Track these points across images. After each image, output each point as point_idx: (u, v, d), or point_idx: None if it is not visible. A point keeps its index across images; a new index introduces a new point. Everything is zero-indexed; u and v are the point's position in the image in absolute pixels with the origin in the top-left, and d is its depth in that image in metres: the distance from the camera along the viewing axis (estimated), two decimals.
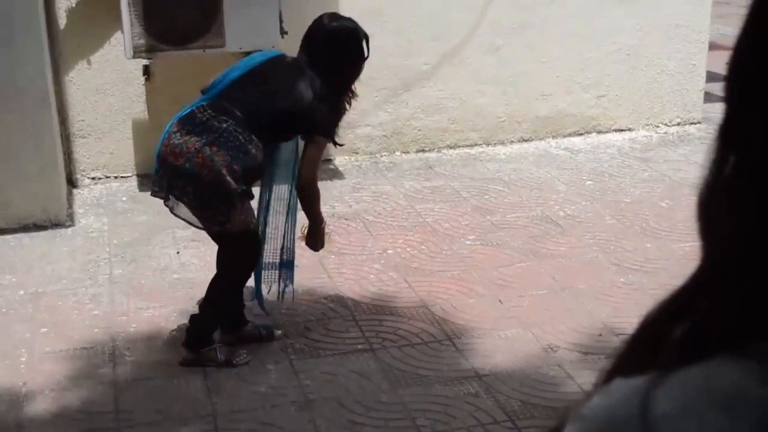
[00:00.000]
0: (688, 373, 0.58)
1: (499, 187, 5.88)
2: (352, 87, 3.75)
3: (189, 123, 3.57)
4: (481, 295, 4.38)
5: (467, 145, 6.68)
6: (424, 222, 5.32)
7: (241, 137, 3.51)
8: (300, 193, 3.72)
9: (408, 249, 4.95)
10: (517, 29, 6.56)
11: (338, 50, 3.70)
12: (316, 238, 3.89)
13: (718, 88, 8.12)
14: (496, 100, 6.67)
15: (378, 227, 5.26)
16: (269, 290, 4.09)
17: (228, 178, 3.46)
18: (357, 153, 6.49)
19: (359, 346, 3.95)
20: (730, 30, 10.15)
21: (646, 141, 6.79)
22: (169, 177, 3.57)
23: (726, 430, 0.55)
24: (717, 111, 7.52)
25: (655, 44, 6.82)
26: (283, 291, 4.11)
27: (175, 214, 3.70)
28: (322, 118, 3.60)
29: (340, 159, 6.41)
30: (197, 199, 3.55)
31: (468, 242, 5.02)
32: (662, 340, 0.64)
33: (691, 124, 7.09)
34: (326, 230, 3.97)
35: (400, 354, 3.89)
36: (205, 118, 3.55)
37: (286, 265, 4.10)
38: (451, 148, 6.66)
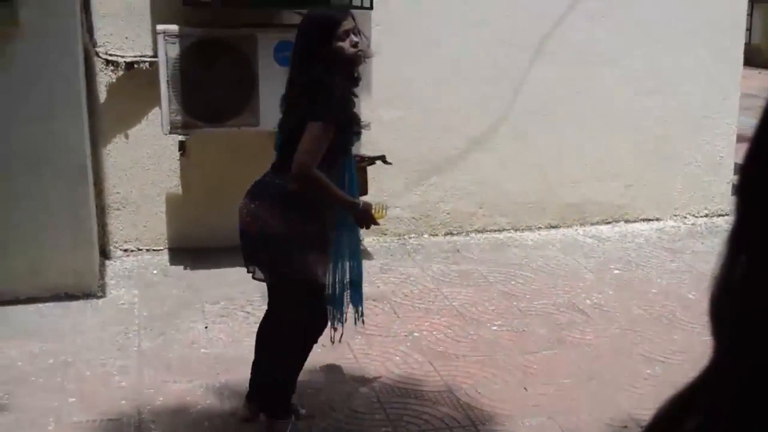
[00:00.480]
0: None
1: (526, 272, 5.91)
2: (349, 73, 3.64)
3: (253, 189, 3.69)
4: (506, 381, 4.38)
5: (495, 230, 6.73)
6: (451, 306, 5.35)
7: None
8: (295, 182, 3.52)
9: (434, 332, 4.97)
10: (547, 116, 6.66)
11: (299, 40, 3.65)
12: (359, 220, 3.76)
13: None
14: (524, 186, 6.74)
15: (405, 309, 5.29)
16: (342, 320, 4.16)
17: (304, 224, 3.59)
18: (386, 234, 6.56)
19: (383, 429, 3.95)
20: (749, 121, 10.21)
21: (673, 231, 6.82)
22: (249, 248, 3.67)
23: None
24: None
25: (683, 135, 6.90)
26: (360, 314, 4.30)
27: (256, 278, 3.76)
28: (312, 104, 3.50)
29: (368, 240, 6.46)
30: (279, 253, 3.61)
31: (494, 327, 5.04)
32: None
33: (719, 216, 7.11)
34: (374, 205, 3.79)
35: None
36: (267, 179, 3.68)
37: (354, 286, 4.15)
38: (479, 232, 6.71)
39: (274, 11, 5.96)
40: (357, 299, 4.19)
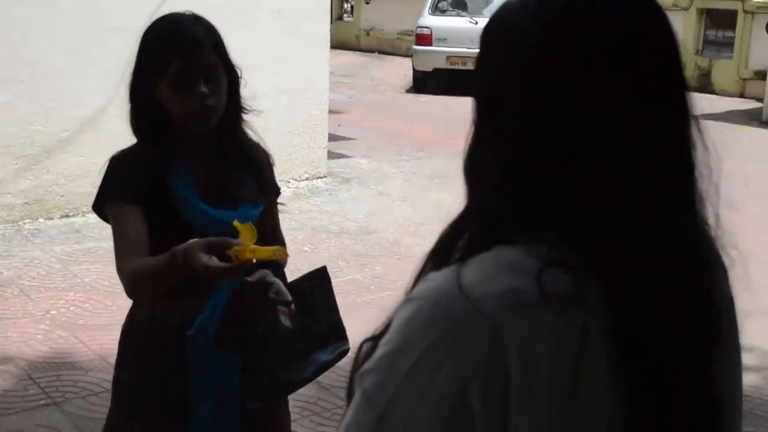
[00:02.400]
0: (480, 258, 0.98)
1: None
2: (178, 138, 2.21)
3: None
4: None
5: None
6: (83, 282, 5.42)
7: None
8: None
9: (71, 308, 5.04)
10: None
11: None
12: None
13: (336, 146, 9.01)
14: None
15: (36, 291, 5.28)
16: None
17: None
18: None
19: (42, 402, 4.01)
20: (338, 96, 11.20)
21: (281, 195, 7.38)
22: None
23: (513, 282, 0.95)
24: (339, 166, 8.39)
25: (284, 107, 7.48)
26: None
27: None
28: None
29: None
30: None
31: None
32: (453, 246, 1.05)
33: (318, 178, 7.82)
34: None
35: (85, 404, 4.01)
36: None
37: None
38: None
39: None
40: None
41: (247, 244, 1.98)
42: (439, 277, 0.98)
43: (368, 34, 20.39)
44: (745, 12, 13.88)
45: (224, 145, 2.26)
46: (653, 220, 0.95)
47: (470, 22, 14.24)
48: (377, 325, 1.05)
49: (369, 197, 7.66)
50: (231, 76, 2.21)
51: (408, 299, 0.99)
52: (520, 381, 0.92)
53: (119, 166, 2.21)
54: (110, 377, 4.13)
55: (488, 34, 1.03)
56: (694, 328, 0.98)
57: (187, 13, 2.20)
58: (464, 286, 0.95)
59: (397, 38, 19.43)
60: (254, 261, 2.01)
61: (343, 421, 1.02)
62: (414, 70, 14.73)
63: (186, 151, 2.21)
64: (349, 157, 9.04)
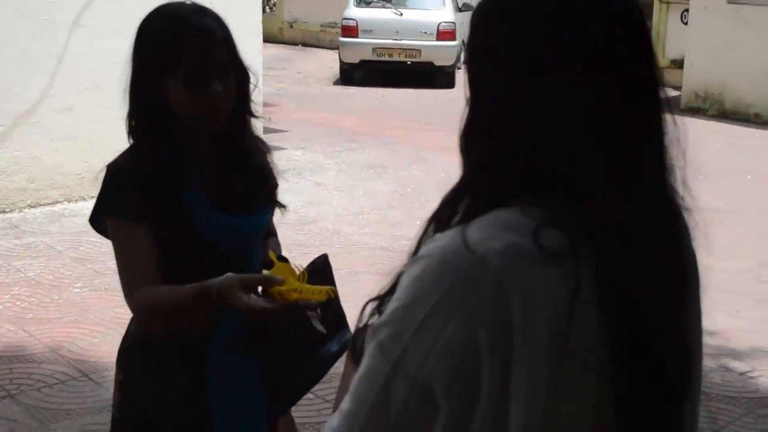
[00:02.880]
0: (482, 219, 1.10)
1: (91, 238, 6.10)
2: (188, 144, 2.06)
3: None
4: (105, 334, 4.63)
5: (49, 203, 6.79)
6: (26, 276, 5.41)
7: None
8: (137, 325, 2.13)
9: (18, 303, 5.03)
10: (91, 89, 6.84)
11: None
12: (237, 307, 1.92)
13: (268, 139, 9.04)
14: (73, 158, 6.86)
15: None
16: None
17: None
18: None
19: None
20: (266, 89, 11.22)
21: None
22: None
23: (514, 239, 1.07)
24: (275, 158, 8.42)
25: None
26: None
27: None
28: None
29: None
30: None
31: (77, 290, 5.23)
32: (454, 211, 1.17)
33: None
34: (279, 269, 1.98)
35: (40, 395, 4.04)
36: None
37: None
38: (32, 207, 6.73)
39: None
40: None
41: (291, 282, 1.86)
42: (445, 237, 1.10)
43: (291, 26, 20.36)
44: (661, 2, 14.30)
45: (230, 147, 2.09)
46: (634, 183, 1.09)
47: (395, 13, 14.38)
48: (381, 286, 1.16)
49: (306, 188, 7.74)
50: (240, 74, 2.04)
51: (416, 259, 1.10)
52: (522, 327, 1.03)
53: (121, 176, 2.00)
54: (63, 368, 4.24)
55: (477, 20, 1.15)
56: (669, 278, 1.12)
57: (188, 2, 2.04)
58: (470, 243, 1.06)
59: (321, 30, 19.45)
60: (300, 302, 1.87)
61: (358, 373, 1.11)
62: (341, 61, 14.78)
63: (192, 154, 2.05)
64: (283, 149, 9.09)
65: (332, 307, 2.07)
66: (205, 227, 2.03)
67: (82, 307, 4.99)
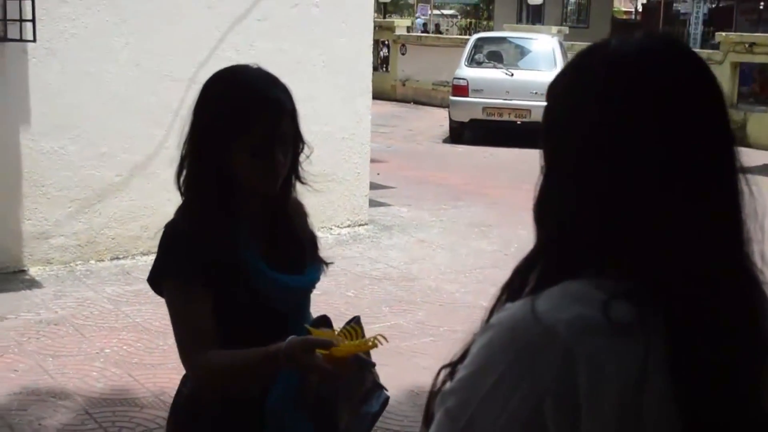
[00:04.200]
0: (551, 290, 1.11)
1: None
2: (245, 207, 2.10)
3: None
4: None
5: None
6: (134, 322, 5.58)
7: None
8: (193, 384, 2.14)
9: (125, 347, 5.19)
10: None
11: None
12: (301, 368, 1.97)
13: (376, 195, 9.16)
14: None
15: (89, 330, 5.44)
16: None
17: None
18: (51, 263, 6.60)
19: None
20: (376, 145, 11.39)
21: (323, 242, 7.53)
22: None
23: (582, 310, 1.07)
24: (380, 214, 8.54)
25: (327, 155, 7.66)
26: None
27: None
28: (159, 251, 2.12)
29: (34, 269, 6.49)
30: None
31: None
32: (525, 281, 1.18)
33: (359, 225, 7.97)
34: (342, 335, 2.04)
35: None
36: None
37: None
38: (144, 254, 6.95)
39: None
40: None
41: (344, 342, 1.92)
42: (514, 307, 1.11)
43: (404, 84, 20.66)
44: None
45: (278, 208, 2.14)
46: (709, 257, 1.08)
47: (506, 74, 14.46)
48: (454, 353, 1.18)
49: (410, 245, 7.79)
50: (296, 142, 2.09)
51: (486, 327, 1.12)
52: (589, 397, 1.03)
53: (179, 238, 2.03)
54: (164, 414, 4.31)
55: (555, 91, 1.17)
56: (746, 354, 1.09)
57: (254, 66, 2.05)
58: (538, 313, 1.07)
59: (433, 89, 19.67)
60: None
61: None
62: (450, 120, 14.92)
63: (245, 215, 2.08)
64: (390, 205, 9.19)
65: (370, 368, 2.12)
66: (264, 286, 2.05)
67: None
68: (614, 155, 1.08)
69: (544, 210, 1.17)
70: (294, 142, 2.07)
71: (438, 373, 1.19)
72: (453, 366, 1.15)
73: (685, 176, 1.07)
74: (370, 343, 1.92)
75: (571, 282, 1.10)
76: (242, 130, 1.97)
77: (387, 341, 1.94)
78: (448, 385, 1.14)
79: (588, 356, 1.03)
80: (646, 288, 1.06)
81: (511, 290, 1.17)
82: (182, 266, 2.00)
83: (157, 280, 2.07)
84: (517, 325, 1.08)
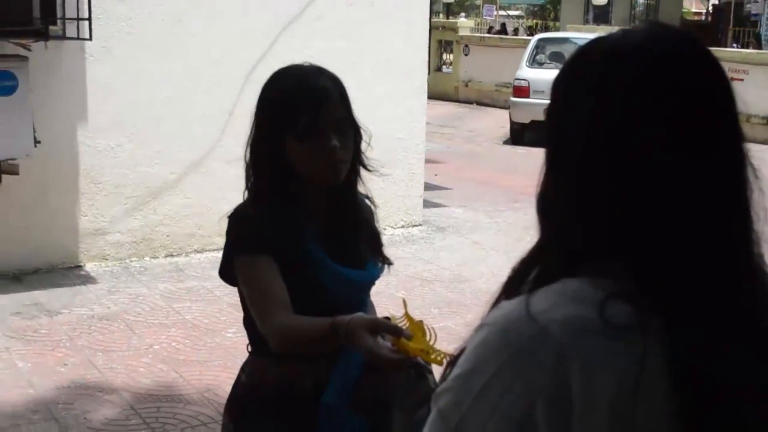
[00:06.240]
0: (548, 288, 1.07)
1: None
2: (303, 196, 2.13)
3: None
4: None
5: (214, 250, 7.05)
6: (184, 319, 5.62)
7: None
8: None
9: (173, 344, 5.23)
10: None
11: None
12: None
13: (432, 196, 9.11)
14: None
15: (140, 326, 5.49)
16: None
17: None
18: (107, 259, 6.69)
19: (142, 431, 4.18)
20: (435, 146, 11.34)
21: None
22: None
23: (578, 311, 1.03)
24: (434, 215, 8.49)
25: (382, 155, 7.63)
26: None
27: None
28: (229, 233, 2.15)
29: (90, 265, 6.58)
30: None
31: (229, 335, 5.38)
32: (524, 278, 1.13)
33: (413, 226, 7.92)
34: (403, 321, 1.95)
35: None
36: None
37: None
38: (198, 252, 7.01)
39: None
40: None
41: (419, 339, 1.80)
42: (509, 305, 1.07)
43: (467, 85, 20.57)
44: None
45: (342, 201, 2.15)
46: (713, 257, 1.03)
47: None
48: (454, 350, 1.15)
49: (463, 246, 7.73)
50: (355, 130, 2.11)
51: (481, 326, 1.09)
52: (582, 400, 0.99)
53: (245, 219, 2.09)
54: (208, 411, 4.35)
55: (556, 86, 1.13)
56: (750, 360, 1.04)
57: (306, 64, 2.12)
58: (532, 313, 1.03)
59: (495, 90, 19.54)
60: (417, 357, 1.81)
61: None
62: (511, 121, 14.80)
63: (308, 208, 2.11)
64: (445, 206, 9.13)
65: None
66: (324, 278, 2.06)
67: (232, 352, 5.12)
68: (614, 151, 1.04)
69: (546, 207, 1.14)
70: (352, 129, 2.10)
71: (443, 372, 1.17)
72: (451, 365, 1.13)
73: (689, 173, 1.02)
74: (440, 358, 1.77)
75: (569, 280, 1.06)
76: (291, 120, 2.02)
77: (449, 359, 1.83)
78: (442, 384, 1.11)
79: (582, 358, 1.00)
80: (645, 288, 1.03)
81: (509, 289, 1.13)
82: (250, 241, 2.04)
83: (228, 265, 2.10)
84: (511, 325, 1.04)
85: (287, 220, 2.05)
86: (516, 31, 33.01)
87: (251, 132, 2.11)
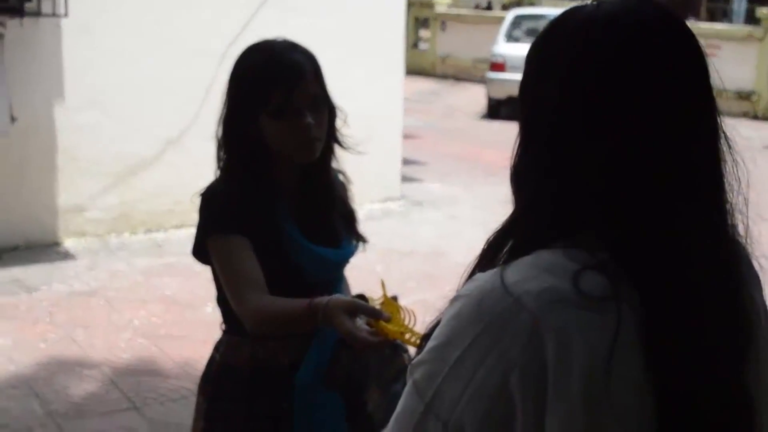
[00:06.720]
0: (522, 260, 1.09)
1: None
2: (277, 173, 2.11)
3: None
4: None
5: (193, 225, 7.03)
6: (164, 294, 5.66)
7: None
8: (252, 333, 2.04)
9: (153, 318, 5.27)
10: None
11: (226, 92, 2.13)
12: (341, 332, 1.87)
13: (409, 171, 9.16)
14: None
15: (120, 301, 5.52)
16: None
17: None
18: (86, 235, 6.70)
19: (123, 406, 4.22)
20: (412, 121, 11.37)
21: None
22: None
23: (552, 282, 1.04)
24: (412, 190, 8.54)
25: (359, 132, 7.66)
26: None
27: None
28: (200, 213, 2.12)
29: (69, 242, 6.59)
30: None
31: (209, 309, 5.41)
32: (499, 251, 1.17)
33: (391, 200, 7.98)
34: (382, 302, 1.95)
35: (163, 409, 4.21)
36: None
37: None
38: (177, 228, 7.03)
39: None
40: None
41: (397, 321, 1.81)
42: (484, 277, 1.07)
43: (444, 61, 20.57)
44: None
45: (316, 179, 2.13)
46: (686, 226, 1.04)
47: None
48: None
49: (441, 220, 7.80)
50: (329, 108, 2.09)
51: (455, 297, 1.09)
52: (556, 371, 0.99)
53: (216, 198, 2.06)
54: (189, 384, 4.39)
55: (530, 58, 1.15)
56: (725, 331, 1.06)
57: (279, 39, 2.08)
58: (507, 284, 1.04)
59: (473, 65, 19.56)
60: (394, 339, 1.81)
61: (395, 411, 1.12)
62: (488, 97, 14.84)
63: (282, 186, 2.09)
64: (422, 181, 9.19)
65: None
66: (300, 258, 2.05)
67: (212, 326, 5.12)
68: (587, 122, 1.05)
69: (520, 180, 1.15)
70: (326, 105, 2.07)
71: (419, 344, 1.16)
72: (426, 338, 1.13)
73: (661, 143, 1.03)
74: (418, 340, 1.76)
75: (543, 252, 1.07)
76: (264, 96, 1.99)
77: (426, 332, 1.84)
78: (417, 356, 1.11)
79: (556, 329, 1.00)
80: (620, 259, 1.03)
81: (484, 262, 1.13)
82: (223, 221, 2.01)
83: (201, 244, 2.07)
84: (485, 297, 1.04)
85: (260, 199, 2.03)
86: (489, 6, 32.88)
87: (223, 108, 2.08)
